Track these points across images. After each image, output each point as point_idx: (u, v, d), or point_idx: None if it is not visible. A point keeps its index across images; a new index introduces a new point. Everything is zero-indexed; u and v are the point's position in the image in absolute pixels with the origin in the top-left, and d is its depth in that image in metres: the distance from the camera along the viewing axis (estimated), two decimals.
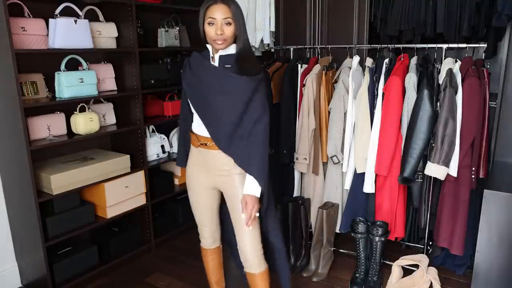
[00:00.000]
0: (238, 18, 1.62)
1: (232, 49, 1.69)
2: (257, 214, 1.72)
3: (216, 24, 1.59)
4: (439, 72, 2.31)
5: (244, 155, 1.69)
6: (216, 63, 1.70)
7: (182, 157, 1.97)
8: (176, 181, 3.17)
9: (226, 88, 1.65)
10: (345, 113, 2.44)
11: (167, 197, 3.01)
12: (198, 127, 1.77)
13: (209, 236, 2.00)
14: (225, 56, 1.69)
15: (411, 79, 2.25)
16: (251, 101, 1.66)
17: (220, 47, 1.64)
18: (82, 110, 2.39)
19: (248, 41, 1.71)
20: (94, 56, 2.64)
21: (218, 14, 1.59)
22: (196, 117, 1.77)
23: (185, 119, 1.89)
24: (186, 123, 1.90)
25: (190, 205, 1.96)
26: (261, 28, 2.97)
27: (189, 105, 1.80)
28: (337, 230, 2.64)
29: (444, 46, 2.37)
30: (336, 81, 2.55)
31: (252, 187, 1.68)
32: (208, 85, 1.68)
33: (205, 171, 1.82)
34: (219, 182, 1.81)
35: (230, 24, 1.61)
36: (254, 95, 1.66)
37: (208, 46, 1.71)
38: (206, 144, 1.75)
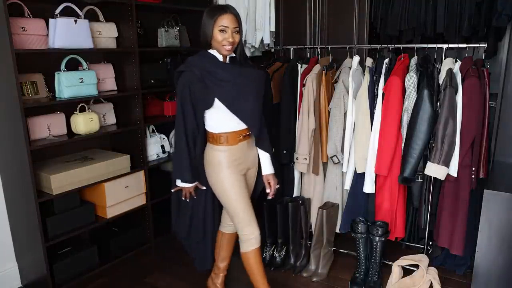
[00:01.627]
0: (241, 28, 1.87)
1: (232, 53, 1.91)
2: (278, 186, 2.08)
3: (228, 32, 1.79)
4: (439, 72, 2.31)
5: (266, 141, 2.02)
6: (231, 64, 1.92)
7: (191, 171, 1.91)
8: None
9: (255, 81, 1.90)
10: (345, 113, 2.44)
11: (167, 197, 3.00)
12: (237, 124, 1.89)
13: (255, 236, 1.95)
14: (233, 58, 1.92)
15: (411, 79, 2.25)
16: (263, 93, 1.97)
17: (227, 52, 1.84)
18: (82, 110, 2.39)
19: (243, 46, 2.01)
20: (94, 56, 2.64)
21: (230, 23, 1.79)
22: (226, 116, 1.86)
23: (196, 127, 1.88)
24: (199, 131, 1.90)
25: (233, 211, 1.94)
26: (261, 28, 2.98)
27: (205, 108, 1.86)
28: (337, 230, 2.64)
29: (444, 46, 2.37)
30: (336, 81, 2.55)
31: (271, 167, 2.05)
32: (241, 81, 1.85)
33: (242, 163, 1.97)
34: (248, 164, 2.01)
35: (238, 32, 1.83)
36: (265, 88, 2.02)
37: (212, 51, 1.87)
38: (244, 136, 1.94)
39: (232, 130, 1.90)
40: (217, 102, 1.83)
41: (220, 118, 1.88)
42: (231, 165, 1.92)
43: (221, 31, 1.79)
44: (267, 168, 2.05)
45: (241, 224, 1.95)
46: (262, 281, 2.03)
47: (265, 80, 1.97)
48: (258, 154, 2.06)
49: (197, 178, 1.97)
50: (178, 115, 1.86)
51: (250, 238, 1.95)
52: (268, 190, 2.07)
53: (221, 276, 2.31)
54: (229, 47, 1.81)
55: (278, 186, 2.07)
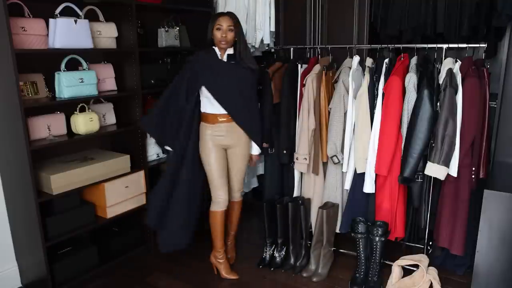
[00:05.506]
0: (237, 27, 2.27)
1: (232, 50, 2.31)
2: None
3: (222, 29, 2.23)
4: (439, 72, 2.31)
5: (252, 129, 2.41)
6: (225, 59, 2.31)
7: (153, 121, 2.37)
8: None
9: (236, 77, 2.30)
10: (345, 113, 2.44)
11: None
12: (218, 108, 2.32)
13: (224, 198, 2.44)
14: (230, 54, 2.31)
15: (411, 79, 2.25)
16: (251, 88, 2.38)
17: (223, 46, 2.27)
18: (82, 110, 2.39)
19: (247, 44, 2.36)
20: (94, 56, 2.64)
21: (224, 22, 2.23)
22: (209, 101, 2.32)
23: (177, 99, 2.33)
24: (177, 103, 2.33)
25: (209, 176, 2.43)
26: (261, 28, 2.98)
27: (195, 93, 2.32)
28: (337, 230, 2.64)
29: (444, 46, 2.37)
30: (336, 81, 2.55)
31: (256, 149, 2.51)
32: (224, 76, 2.29)
33: (220, 138, 2.38)
34: (229, 142, 2.40)
35: (232, 31, 2.24)
36: (254, 85, 2.39)
37: (215, 47, 2.32)
38: (225, 119, 2.34)
39: (212, 112, 2.34)
40: (204, 88, 2.29)
41: (205, 102, 2.36)
42: (212, 139, 2.37)
43: (217, 29, 2.24)
44: (252, 150, 2.51)
45: (213, 188, 2.44)
46: (220, 237, 2.52)
47: (252, 80, 2.35)
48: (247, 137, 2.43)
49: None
50: (170, 86, 2.37)
51: (219, 201, 2.44)
52: (250, 164, 2.58)
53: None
54: (223, 42, 2.24)
55: (258, 160, 2.59)
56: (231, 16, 2.27)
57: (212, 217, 2.47)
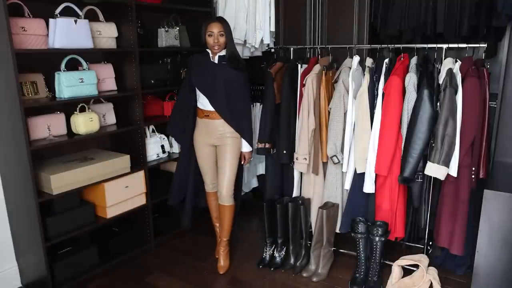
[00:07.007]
0: (228, 32, 2.42)
1: (224, 52, 2.46)
2: (251, 159, 2.69)
3: (213, 35, 2.38)
4: (439, 72, 2.31)
5: (240, 125, 2.50)
6: (216, 61, 2.47)
7: (170, 123, 2.71)
8: None
9: (224, 77, 2.43)
10: (345, 113, 2.44)
11: (167, 197, 3.01)
12: (204, 105, 2.49)
13: (210, 183, 2.68)
14: (221, 56, 2.46)
15: (411, 79, 2.25)
16: (241, 87, 2.48)
17: (216, 51, 2.43)
18: (82, 110, 2.39)
19: (235, 47, 2.51)
20: (94, 56, 2.64)
21: (215, 28, 2.38)
22: (201, 97, 2.49)
23: (184, 99, 2.61)
24: (185, 102, 2.61)
25: (198, 163, 2.66)
26: (261, 28, 2.98)
27: (193, 90, 2.53)
28: (337, 230, 2.64)
29: (444, 46, 2.37)
30: (336, 81, 2.55)
31: (247, 147, 2.58)
32: (213, 76, 2.44)
33: (206, 134, 2.54)
34: (216, 141, 2.53)
35: (222, 35, 2.39)
36: (243, 84, 2.50)
37: (208, 50, 2.48)
38: (208, 116, 2.49)
39: (201, 108, 2.52)
40: (196, 85, 2.49)
41: (198, 98, 2.53)
42: (200, 133, 2.56)
43: (209, 35, 2.38)
44: (242, 147, 2.58)
45: (201, 173, 2.70)
46: (212, 214, 2.82)
47: (241, 80, 2.47)
48: (236, 136, 2.53)
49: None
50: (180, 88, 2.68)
51: (206, 184, 2.70)
52: (242, 162, 2.63)
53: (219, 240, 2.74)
54: (216, 47, 2.40)
55: (251, 158, 2.68)
56: (221, 21, 2.40)
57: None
